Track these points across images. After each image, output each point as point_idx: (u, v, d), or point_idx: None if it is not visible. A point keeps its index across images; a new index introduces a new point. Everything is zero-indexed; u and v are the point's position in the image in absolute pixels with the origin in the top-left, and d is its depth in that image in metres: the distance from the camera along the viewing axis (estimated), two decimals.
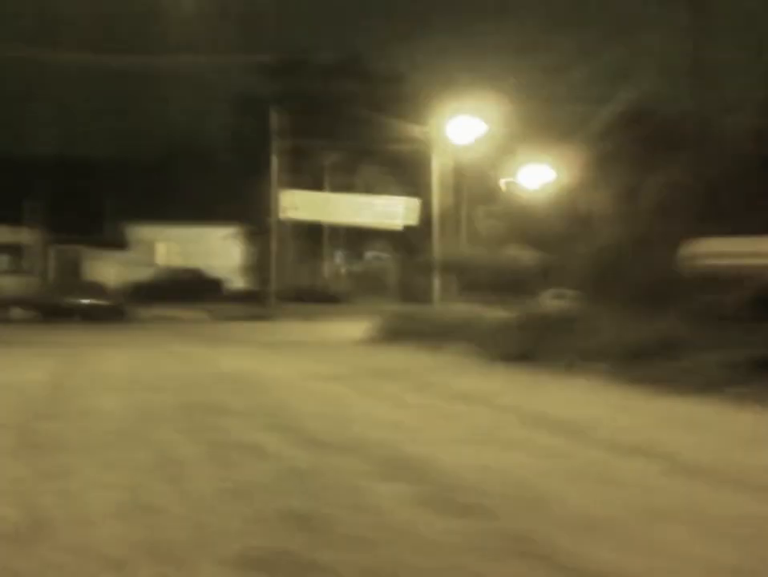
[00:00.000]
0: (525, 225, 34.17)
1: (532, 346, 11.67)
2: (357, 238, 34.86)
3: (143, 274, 33.47)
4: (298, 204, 29.52)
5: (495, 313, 16.05)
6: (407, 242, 35.32)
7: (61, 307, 24.43)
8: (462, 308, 20.08)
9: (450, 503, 4.23)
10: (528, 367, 10.94)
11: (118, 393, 8.69)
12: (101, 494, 4.41)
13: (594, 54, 30.62)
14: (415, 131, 31.71)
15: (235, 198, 34.47)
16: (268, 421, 6.82)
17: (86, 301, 24.37)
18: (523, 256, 33.50)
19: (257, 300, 30.75)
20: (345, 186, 32.89)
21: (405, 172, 34.50)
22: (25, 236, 32.35)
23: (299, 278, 32.89)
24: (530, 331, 12.49)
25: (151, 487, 4.57)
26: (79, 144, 39.00)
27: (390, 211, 32.86)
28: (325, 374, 10.80)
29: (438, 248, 33.82)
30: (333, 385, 9.79)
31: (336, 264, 34.61)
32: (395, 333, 17.28)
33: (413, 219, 33.29)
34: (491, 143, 32.91)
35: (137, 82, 35.95)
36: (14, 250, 32.09)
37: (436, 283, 30.14)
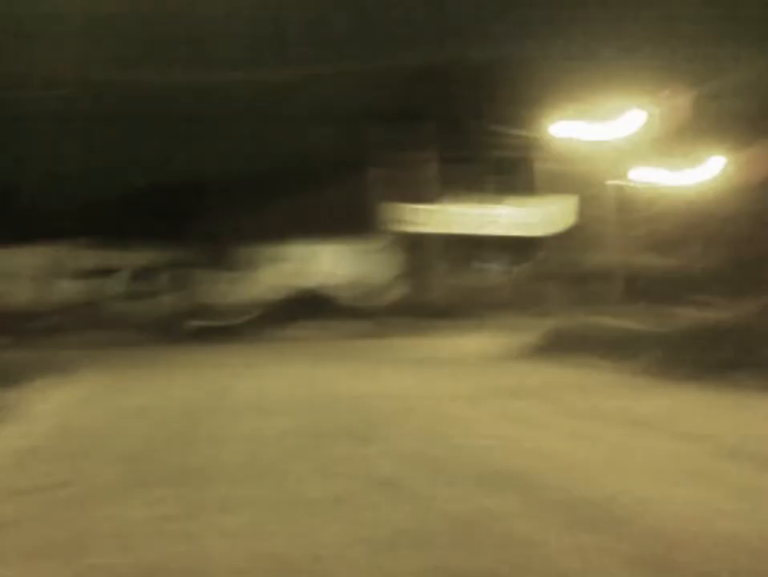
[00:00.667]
0: (663, 229, 31.94)
1: (719, 359, 10.12)
2: (469, 247, 33.94)
3: (260, 293, 33.87)
4: (410, 217, 29.14)
5: (643, 325, 14.76)
6: (525, 250, 34.10)
7: (181, 329, 24.88)
8: (607, 321, 18.74)
9: (667, 567, 3.25)
10: (699, 384, 9.49)
11: (260, 416, 8.27)
12: (224, 542, 3.86)
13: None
14: (538, 132, 30.28)
15: (349, 213, 34.33)
16: (412, 451, 6.06)
17: (207, 322, 24.69)
18: (660, 262, 31.19)
19: (373, 317, 30.33)
20: (458, 196, 32.14)
21: (515, 179, 33.27)
22: (146, 257, 33.52)
23: (423, 291, 32.42)
24: (711, 342, 10.88)
25: (273, 532, 3.98)
26: (185, 165, 39.70)
27: (507, 219, 31.97)
28: (470, 394, 9.78)
29: (565, 255, 32.12)
30: (480, 408, 8.74)
31: (451, 274, 33.81)
32: (543, 347, 15.71)
33: (530, 228, 32.19)
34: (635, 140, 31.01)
35: (245, 97, 36.26)
36: (141, 272, 33.29)
37: (575, 291, 28.70)
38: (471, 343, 19.38)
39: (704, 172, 33.11)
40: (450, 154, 29.92)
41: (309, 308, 30.58)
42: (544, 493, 4.63)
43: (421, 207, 29.81)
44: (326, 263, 35.18)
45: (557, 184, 30.06)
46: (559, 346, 14.99)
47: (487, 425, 7.42)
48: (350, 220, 32.13)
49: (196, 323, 25.38)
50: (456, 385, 10.90)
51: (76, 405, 10.02)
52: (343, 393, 10.31)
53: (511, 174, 32.42)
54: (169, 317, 27.40)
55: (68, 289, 31.85)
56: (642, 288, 30.16)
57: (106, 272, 32.74)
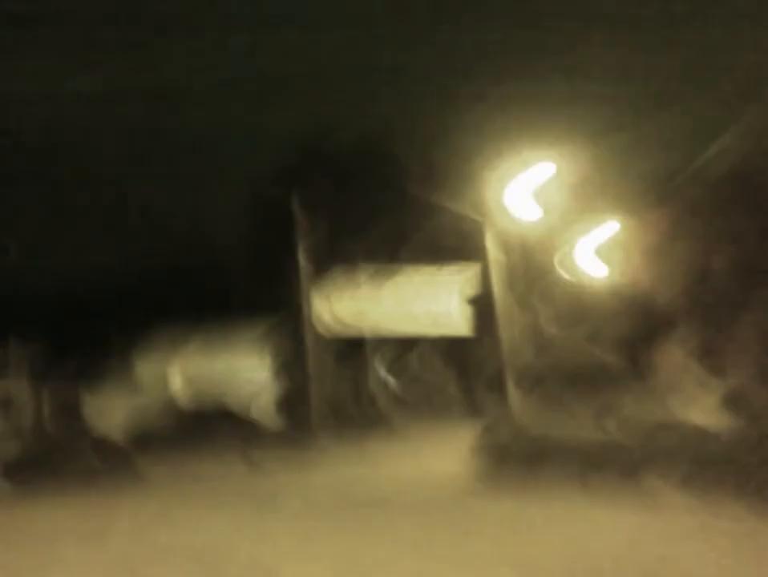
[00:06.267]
0: (591, 317, 29.26)
1: None
2: (399, 342, 29.69)
3: (154, 412, 28.15)
4: (336, 310, 24.61)
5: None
6: (460, 343, 30.16)
7: (58, 474, 18.95)
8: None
9: None
10: None
11: None
12: None
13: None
14: (461, 204, 26.94)
15: (256, 313, 29.58)
16: None
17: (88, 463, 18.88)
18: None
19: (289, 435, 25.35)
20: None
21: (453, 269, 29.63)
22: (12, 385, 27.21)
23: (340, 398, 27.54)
24: None
25: None
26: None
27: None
28: None
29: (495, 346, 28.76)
30: None
31: (379, 374, 29.26)
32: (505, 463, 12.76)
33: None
34: (550, 209, 28.01)
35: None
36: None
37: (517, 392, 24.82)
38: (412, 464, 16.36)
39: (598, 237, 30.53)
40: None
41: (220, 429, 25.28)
42: None
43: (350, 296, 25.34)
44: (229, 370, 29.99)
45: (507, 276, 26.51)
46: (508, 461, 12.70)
47: None
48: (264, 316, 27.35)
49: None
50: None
51: None
52: None
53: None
54: None
55: None
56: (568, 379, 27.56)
57: None
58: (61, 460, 19.24)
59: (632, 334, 26.43)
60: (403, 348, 29.36)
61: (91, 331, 32.06)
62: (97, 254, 33.45)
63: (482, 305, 28.27)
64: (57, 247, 33.67)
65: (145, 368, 30.50)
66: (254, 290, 30.24)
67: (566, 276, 29.68)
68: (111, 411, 27.66)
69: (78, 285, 33.46)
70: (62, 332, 31.93)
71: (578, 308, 29.00)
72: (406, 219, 25.78)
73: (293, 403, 26.10)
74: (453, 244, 27.28)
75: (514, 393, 25.95)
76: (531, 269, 28.58)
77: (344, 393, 27.73)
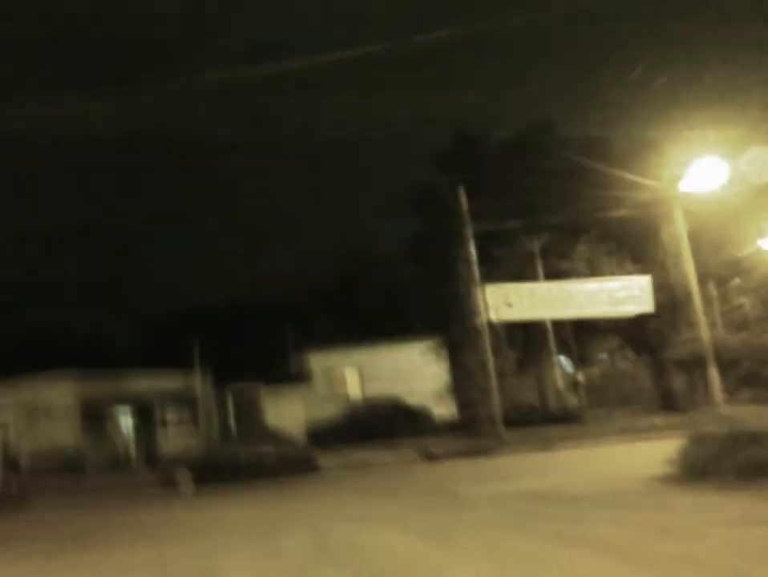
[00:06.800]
0: None
1: None
2: (582, 337, 27.86)
3: (330, 409, 28.07)
4: (511, 300, 23.27)
5: None
6: (643, 334, 27.89)
7: (236, 465, 19.10)
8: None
9: None
10: None
11: None
12: None
13: None
14: (638, 191, 25.06)
15: (426, 307, 28.90)
16: None
17: (266, 453, 18.90)
18: None
19: (471, 429, 24.30)
20: (559, 273, 26.35)
21: (629, 246, 27.58)
22: (196, 380, 28.07)
23: (518, 394, 26.14)
24: None
25: None
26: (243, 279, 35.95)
27: (623, 296, 25.85)
28: None
29: (688, 336, 26.31)
30: None
31: (561, 371, 27.56)
32: (702, 464, 11.06)
33: (648, 304, 26.03)
34: (739, 197, 25.53)
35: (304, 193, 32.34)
36: (186, 398, 27.81)
37: (713, 381, 22.47)
38: (609, 458, 15.59)
39: None
40: (548, 223, 24.48)
41: (391, 423, 24.84)
42: None
43: (521, 286, 23.95)
44: (408, 367, 29.44)
45: (693, 246, 24.16)
46: (725, 462, 10.82)
47: None
48: (434, 314, 26.51)
49: (256, 456, 19.43)
50: None
51: None
52: None
53: (621, 242, 26.74)
54: (219, 450, 21.72)
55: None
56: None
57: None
58: (246, 454, 19.35)
59: None
60: (586, 337, 27.52)
61: (269, 339, 32.93)
62: (279, 267, 34.78)
63: (666, 289, 26.07)
64: (247, 260, 35.46)
65: (319, 370, 30.74)
66: (420, 289, 29.60)
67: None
68: (287, 408, 28.01)
69: (260, 295, 35.00)
70: (243, 337, 33.11)
71: None
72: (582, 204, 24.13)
73: (469, 397, 25.10)
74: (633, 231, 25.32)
75: (714, 378, 23.62)
76: (725, 243, 26.04)
77: (523, 386, 26.38)
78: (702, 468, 11.16)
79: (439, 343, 28.58)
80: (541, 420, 23.35)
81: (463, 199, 24.51)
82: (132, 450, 26.89)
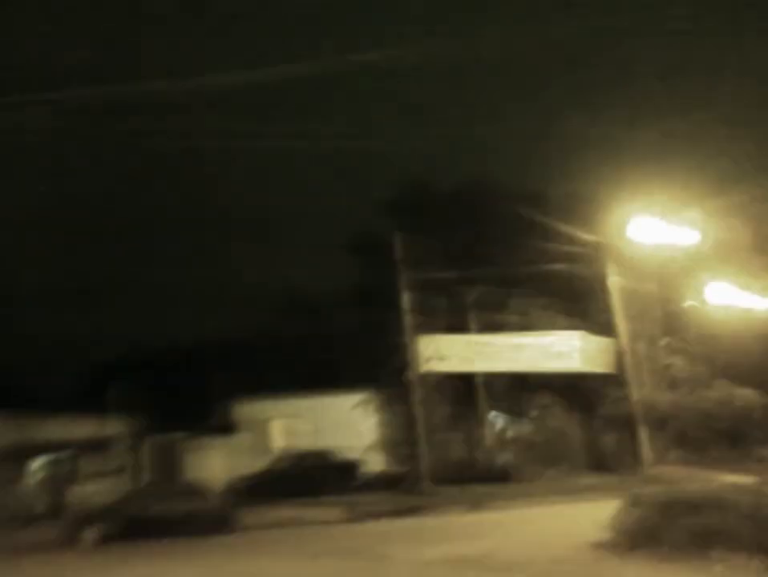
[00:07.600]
0: (730, 358, 26.48)
1: None
2: (515, 392, 27.43)
3: (256, 462, 26.79)
4: (444, 352, 22.72)
5: None
6: (581, 392, 27.61)
7: (149, 520, 17.75)
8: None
9: None
10: None
11: None
12: None
13: None
14: (577, 245, 25.09)
15: (360, 357, 28.06)
16: None
17: (177, 510, 17.62)
18: (737, 396, 25.94)
19: (403, 486, 23.42)
20: (496, 325, 25.97)
21: (566, 301, 27.45)
22: (112, 428, 26.55)
23: (450, 449, 25.43)
24: None
25: None
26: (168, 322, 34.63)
27: (556, 351, 25.59)
28: None
29: (619, 395, 26.21)
30: None
31: (496, 427, 26.99)
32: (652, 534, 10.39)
33: (580, 361, 25.82)
34: (679, 256, 25.90)
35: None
36: (101, 446, 26.20)
37: (642, 441, 22.22)
38: (542, 521, 15.10)
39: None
40: (487, 274, 24.12)
41: (320, 478, 23.76)
42: None
43: (456, 338, 23.44)
44: (340, 419, 28.42)
45: (627, 303, 24.17)
46: (664, 531, 10.24)
47: None
48: (368, 365, 25.68)
49: (169, 511, 18.11)
50: None
51: None
52: None
53: (560, 296, 26.58)
54: (132, 504, 20.22)
55: None
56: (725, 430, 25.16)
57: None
58: (159, 511, 18.05)
59: None
60: (519, 392, 27.11)
61: (194, 387, 31.72)
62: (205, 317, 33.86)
63: (602, 341, 25.94)
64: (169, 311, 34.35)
65: (246, 420, 29.64)
66: (357, 337, 28.91)
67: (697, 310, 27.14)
68: (210, 461, 26.67)
69: (184, 344, 33.84)
70: (166, 386, 31.72)
71: (710, 343, 26.42)
72: (518, 252, 23.93)
73: (402, 452, 24.25)
74: (571, 278, 25.22)
75: (645, 438, 23.39)
76: (658, 300, 26.18)
77: (455, 442, 25.68)
78: (640, 535, 10.64)
79: (373, 394, 27.79)
80: (472, 477, 22.64)
81: (401, 247, 24.09)
82: (41, 503, 25.05)
